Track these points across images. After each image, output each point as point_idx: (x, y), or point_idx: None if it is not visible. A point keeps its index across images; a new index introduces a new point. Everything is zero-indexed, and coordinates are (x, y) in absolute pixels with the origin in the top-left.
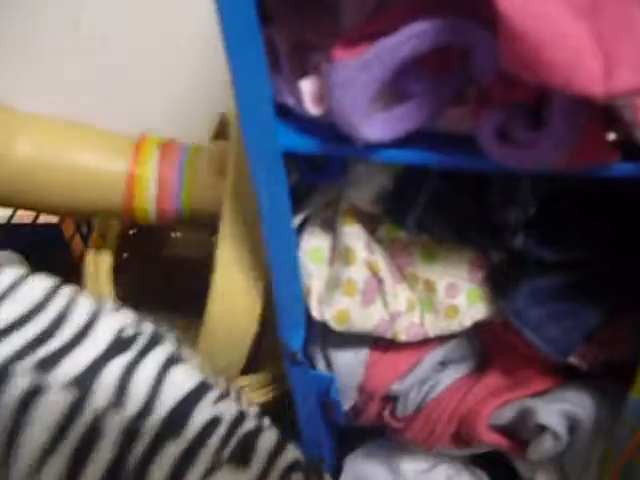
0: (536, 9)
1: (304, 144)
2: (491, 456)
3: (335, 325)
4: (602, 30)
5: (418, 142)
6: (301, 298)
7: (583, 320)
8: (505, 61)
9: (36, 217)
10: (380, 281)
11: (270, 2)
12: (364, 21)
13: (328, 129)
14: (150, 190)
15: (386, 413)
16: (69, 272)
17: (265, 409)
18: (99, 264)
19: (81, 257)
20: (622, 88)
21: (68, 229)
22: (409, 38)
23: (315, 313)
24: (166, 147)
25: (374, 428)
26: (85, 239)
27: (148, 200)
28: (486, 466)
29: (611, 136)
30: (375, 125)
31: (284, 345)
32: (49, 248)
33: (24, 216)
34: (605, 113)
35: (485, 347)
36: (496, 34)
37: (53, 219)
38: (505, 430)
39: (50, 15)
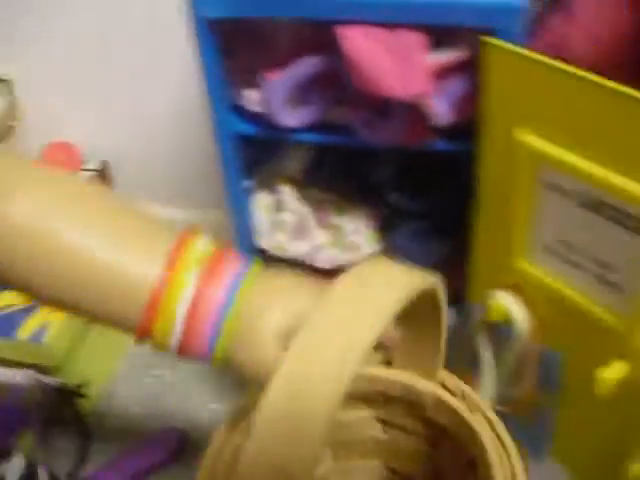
0: (363, 50)
1: (250, 130)
2: None
3: (273, 252)
4: (400, 59)
5: (318, 129)
6: (252, 235)
7: (438, 251)
8: (353, 80)
9: None
10: (305, 225)
11: (229, 42)
12: (282, 56)
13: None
14: (180, 310)
15: None
16: None
17: None
18: None
19: None
20: (413, 92)
21: None
22: (304, 66)
23: (261, 244)
24: (215, 262)
25: None
26: None
27: (173, 324)
28: None
29: (437, 122)
30: (290, 117)
31: None
32: None
33: None
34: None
35: None
36: None
37: None
38: None
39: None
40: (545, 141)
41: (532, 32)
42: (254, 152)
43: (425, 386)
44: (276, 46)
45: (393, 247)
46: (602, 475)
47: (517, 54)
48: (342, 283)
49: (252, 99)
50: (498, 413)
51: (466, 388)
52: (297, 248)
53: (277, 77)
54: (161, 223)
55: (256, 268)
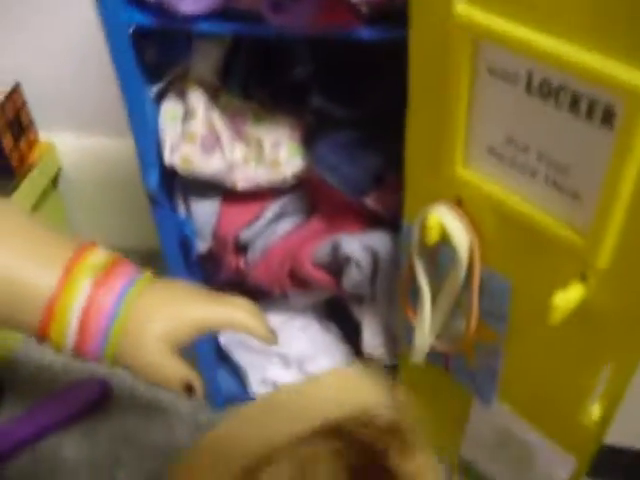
0: None
1: (144, 19)
2: (340, 311)
3: (181, 168)
4: None
5: (223, 16)
6: (156, 148)
7: (369, 165)
8: None
9: None
10: (218, 137)
11: None
12: None
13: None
14: (73, 315)
15: (241, 263)
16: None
17: None
18: None
19: (12, 152)
20: None
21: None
22: None
23: (167, 159)
24: (108, 271)
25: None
26: (16, 138)
27: (67, 328)
28: (335, 319)
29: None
30: (189, 1)
31: (145, 185)
32: None
33: None
34: None
35: (311, 201)
36: None
37: None
38: (327, 270)
39: None
40: (486, 12)
41: None
42: (158, 52)
43: None
44: None
45: (318, 162)
46: (555, 417)
47: None
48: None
49: None
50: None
51: None
52: (209, 164)
53: None
54: (65, 236)
55: (147, 276)
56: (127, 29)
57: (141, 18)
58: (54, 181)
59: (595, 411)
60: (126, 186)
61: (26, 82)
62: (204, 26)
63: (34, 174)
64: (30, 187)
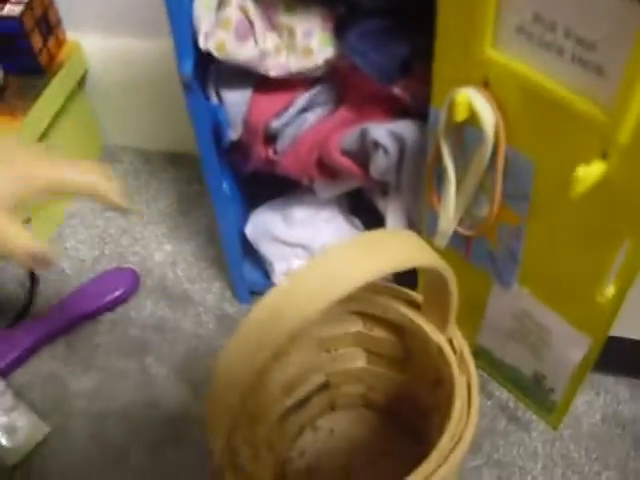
0: None
1: None
2: (364, 206)
3: (215, 52)
4: None
5: None
6: (191, 37)
7: (397, 52)
8: None
9: None
10: (251, 23)
11: None
12: None
13: None
14: None
15: (270, 152)
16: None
17: None
18: None
19: (41, 50)
20: None
21: (29, 23)
22: None
23: (202, 44)
24: None
25: (274, 187)
26: (45, 36)
27: None
28: (358, 213)
29: None
30: None
31: (180, 72)
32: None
33: None
34: None
35: (340, 92)
36: None
37: (15, 12)
38: (354, 158)
39: None
40: None
41: None
42: None
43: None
44: None
45: (348, 49)
46: (572, 298)
47: None
48: (348, 241)
49: None
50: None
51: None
52: (243, 50)
53: None
54: None
55: None
56: None
57: None
58: (81, 82)
59: (610, 290)
60: (152, 88)
61: None
62: None
63: (62, 73)
64: (59, 86)
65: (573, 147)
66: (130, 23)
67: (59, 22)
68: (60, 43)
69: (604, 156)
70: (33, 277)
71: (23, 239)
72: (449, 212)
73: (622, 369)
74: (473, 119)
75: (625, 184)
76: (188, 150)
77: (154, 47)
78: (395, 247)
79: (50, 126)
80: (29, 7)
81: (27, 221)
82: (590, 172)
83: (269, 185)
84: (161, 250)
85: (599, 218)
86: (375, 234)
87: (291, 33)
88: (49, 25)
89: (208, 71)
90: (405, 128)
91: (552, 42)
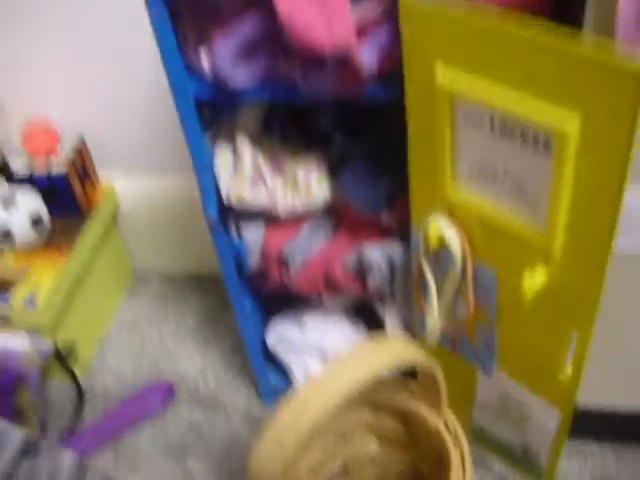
0: (293, 8)
1: (204, 91)
2: (366, 311)
3: (235, 202)
4: (324, 12)
5: (264, 86)
6: (213, 187)
7: (383, 189)
8: (286, 35)
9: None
10: (262, 175)
11: (179, 9)
12: (229, 17)
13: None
14: None
15: (284, 275)
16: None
17: None
18: None
19: (80, 195)
20: (338, 44)
21: (72, 175)
22: (247, 25)
23: (224, 197)
24: None
25: (288, 301)
26: (83, 183)
27: None
28: (362, 318)
29: (364, 71)
30: (239, 74)
31: (206, 216)
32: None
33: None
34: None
35: (338, 221)
36: None
37: (62, 169)
38: (354, 275)
39: None
40: (458, 78)
41: None
42: (213, 110)
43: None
44: (221, 9)
45: (341, 187)
46: (541, 378)
47: (426, 5)
48: (353, 349)
49: (204, 59)
50: (448, 337)
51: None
52: (257, 198)
53: (223, 39)
54: None
55: None
56: (191, 98)
57: (202, 92)
58: (114, 217)
59: (569, 369)
60: (177, 218)
61: (87, 130)
62: (250, 94)
63: (98, 213)
64: (96, 224)
65: (521, 261)
66: (156, 164)
67: (94, 169)
68: (95, 187)
69: (545, 267)
70: (80, 393)
71: None
72: (434, 316)
73: (604, 436)
74: (444, 243)
75: (565, 288)
76: (211, 271)
77: (178, 183)
78: (390, 351)
79: (90, 257)
80: (72, 161)
81: (72, 344)
82: (535, 281)
83: (284, 298)
84: (192, 362)
85: (551, 315)
86: (373, 342)
87: (294, 176)
88: (87, 173)
89: (229, 212)
90: (394, 248)
91: (495, 181)
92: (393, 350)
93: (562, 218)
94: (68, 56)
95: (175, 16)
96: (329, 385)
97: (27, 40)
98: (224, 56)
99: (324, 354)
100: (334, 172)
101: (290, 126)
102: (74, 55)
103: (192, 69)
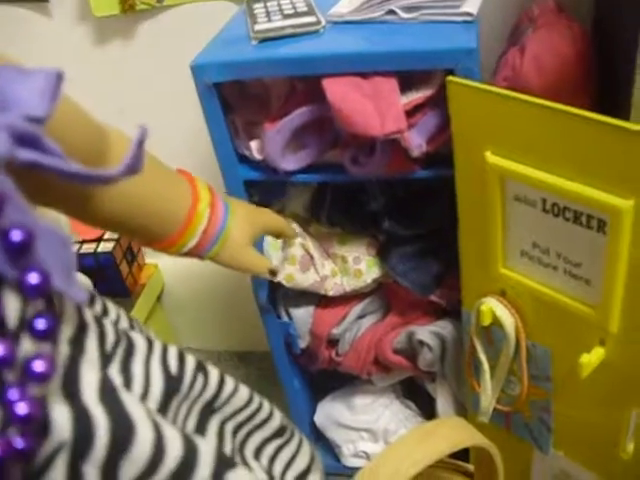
0: (345, 98)
1: (254, 175)
2: (416, 390)
3: (285, 283)
4: (376, 102)
5: (314, 170)
6: None
7: (433, 269)
8: (338, 124)
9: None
10: (312, 257)
11: (230, 99)
12: (278, 108)
13: (267, 168)
14: (200, 229)
15: (333, 354)
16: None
17: None
18: None
19: (127, 275)
20: (390, 130)
21: (118, 255)
22: (296, 116)
23: (277, 278)
24: (212, 190)
25: (336, 380)
26: (130, 264)
27: (194, 237)
28: (412, 397)
29: (414, 153)
30: (288, 162)
31: (258, 301)
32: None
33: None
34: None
35: (387, 301)
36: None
37: (108, 248)
38: (404, 355)
39: None
40: (508, 160)
41: (496, 68)
42: (261, 194)
43: None
44: (272, 101)
45: (391, 270)
46: (600, 456)
47: (476, 88)
48: (409, 433)
49: (254, 149)
50: (501, 414)
51: None
52: (307, 278)
53: (273, 128)
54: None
55: (225, 195)
56: (241, 181)
57: (252, 174)
58: (159, 296)
59: (630, 447)
60: (220, 296)
61: None
62: (301, 178)
63: (144, 293)
64: (142, 303)
65: (577, 338)
66: None
67: (140, 249)
68: (141, 267)
69: (602, 343)
70: None
71: (262, 260)
72: (487, 394)
73: None
74: (497, 321)
75: (623, 365)
76: (255, 348)
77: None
78: (446, 434)
79: None
80: (118, 242)
81: None
82: (591, 358)
83: (333, 377)
84: None
85: (608, 392)
86: (428, 425)
87: (344, 260)
88: (133, 254)
89: (277, 293)
90: (444, 327)
91: (548, 262)
92: (451, 434)
93: (618, 293)
94: None
95: (225, 105)
96: (386, 470)
97: None
98: (274, 146)
99: (375, 435)
100: (383, 252)
101: (338, 208)
102: None
103: (241, 154)
